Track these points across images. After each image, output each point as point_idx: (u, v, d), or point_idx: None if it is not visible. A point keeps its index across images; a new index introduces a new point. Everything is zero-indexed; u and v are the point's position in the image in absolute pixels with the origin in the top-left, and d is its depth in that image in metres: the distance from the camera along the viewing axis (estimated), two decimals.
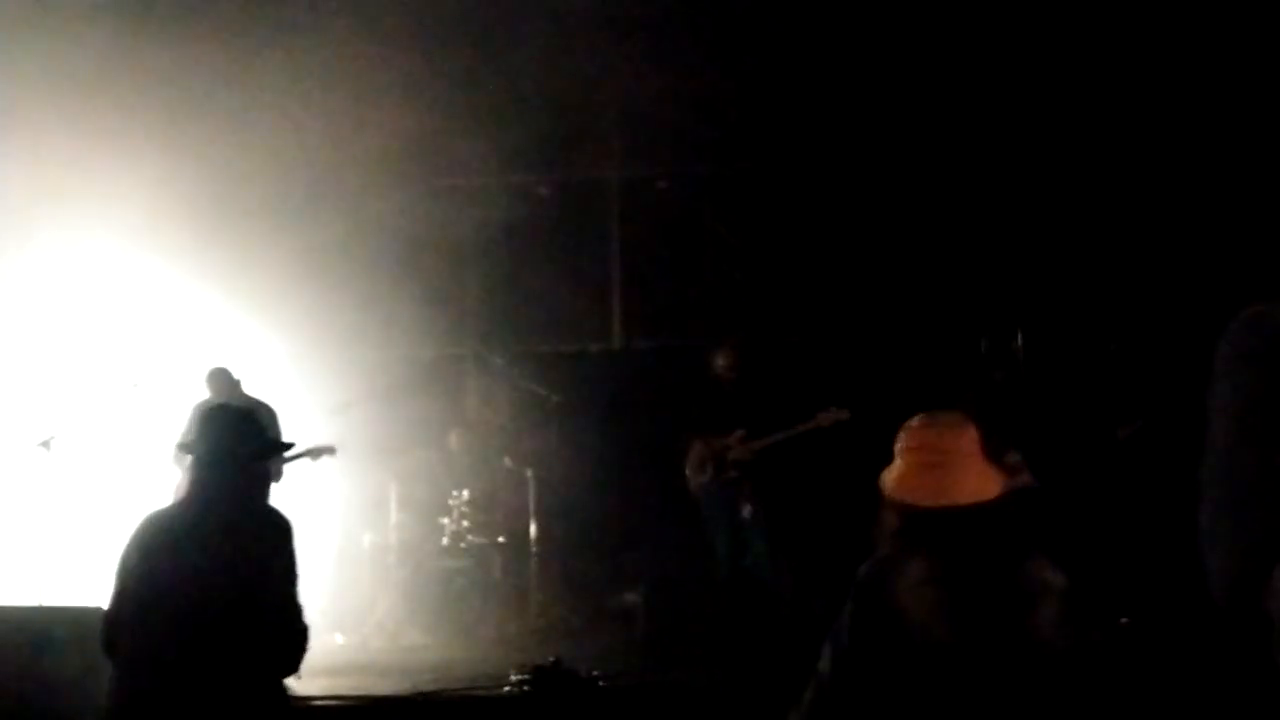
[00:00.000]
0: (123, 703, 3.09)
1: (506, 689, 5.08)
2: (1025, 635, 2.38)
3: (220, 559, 3.13)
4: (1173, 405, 7.21)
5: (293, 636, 3.20)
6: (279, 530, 3.24)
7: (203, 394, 6.81)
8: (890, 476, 2.63)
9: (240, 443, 3.34)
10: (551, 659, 5.18)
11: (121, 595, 3.18)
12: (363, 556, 8.05)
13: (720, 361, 7.05)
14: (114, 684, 3.15)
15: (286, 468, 7.83)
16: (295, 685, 3.32)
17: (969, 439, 2.61)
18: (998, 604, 2.40)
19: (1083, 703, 2.38)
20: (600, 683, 5.13)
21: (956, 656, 2.35)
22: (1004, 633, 2.37)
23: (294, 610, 3.20)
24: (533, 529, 7.98)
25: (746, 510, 6.86)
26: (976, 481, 2.56)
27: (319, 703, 4.78)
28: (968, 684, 2.33)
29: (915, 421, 2.66)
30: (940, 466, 2.56)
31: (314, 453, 7.77)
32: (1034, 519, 6.76)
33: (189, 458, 3.36)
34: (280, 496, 6.30)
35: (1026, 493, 6.80)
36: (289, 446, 3.52)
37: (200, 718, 3.04)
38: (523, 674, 5.10)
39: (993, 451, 6.91)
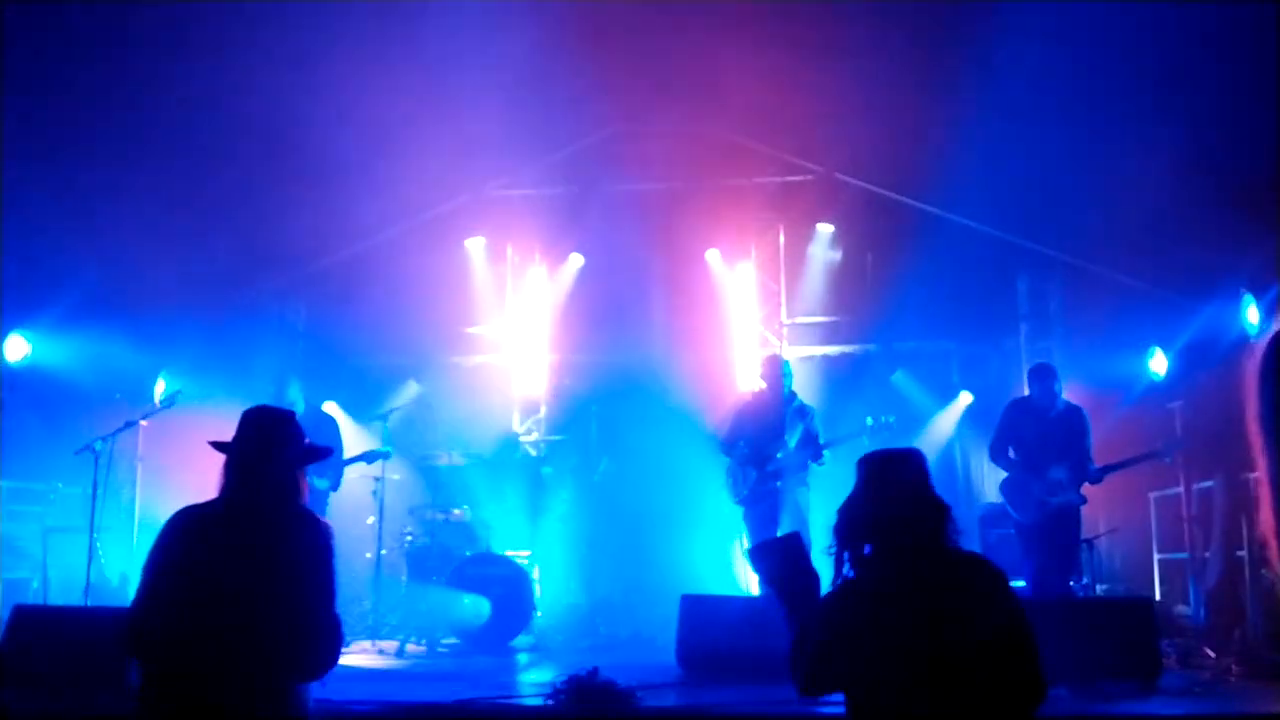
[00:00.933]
0: (156, 701, 3.11)
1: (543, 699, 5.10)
2: (963, 616, 2.83)
3: (253, 557, 3.16)
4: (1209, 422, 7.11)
5: (326, 637, 3.21)
6: (314, 531, 3.26)
7: None
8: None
9: (278, 446, 3.37)
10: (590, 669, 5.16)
11: (152, 593, 3.19)
12: None
13: None
14: (146, 681, 3.15)
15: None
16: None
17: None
18: (933, 598, 2.86)
19: (1019, 655, 2.83)
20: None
21: (909, 651, 2.79)
22: (944, 621, 2.82)
23: (326, 611, 3.21)
24: None
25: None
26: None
27: (357, 709, 4.78)
28: (922, 669, 2.77)
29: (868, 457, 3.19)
30: None
31: (368, 457, 7.90)
32: (1077, 533, 6.72)
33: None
34: None
35: (1068, 509, 6.73)
36: (328, 453, 3.54)
37: (232, 715, 3.07)
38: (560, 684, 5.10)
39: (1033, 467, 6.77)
